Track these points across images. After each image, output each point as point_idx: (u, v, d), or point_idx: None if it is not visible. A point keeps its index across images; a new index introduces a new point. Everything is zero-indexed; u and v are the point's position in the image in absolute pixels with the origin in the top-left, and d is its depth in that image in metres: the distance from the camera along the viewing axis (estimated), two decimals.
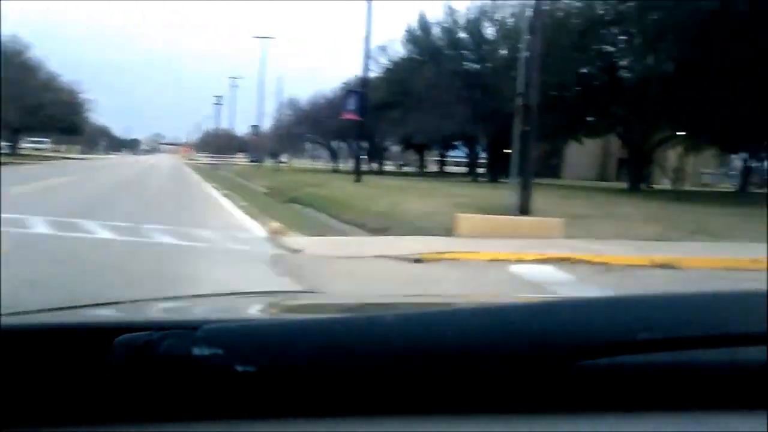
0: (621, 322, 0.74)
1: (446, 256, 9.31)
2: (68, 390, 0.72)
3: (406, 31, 43.93)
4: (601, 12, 26.40)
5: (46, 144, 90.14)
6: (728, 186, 47.55)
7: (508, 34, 31.21)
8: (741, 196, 29.48)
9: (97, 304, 1.32)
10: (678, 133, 34.88)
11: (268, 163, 62.09)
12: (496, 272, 8.59)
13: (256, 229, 12.84)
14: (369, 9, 29.90)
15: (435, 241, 10.58)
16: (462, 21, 40.33)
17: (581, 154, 54.03)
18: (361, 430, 0.69)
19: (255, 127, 68.83)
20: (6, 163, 33.41)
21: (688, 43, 20.52)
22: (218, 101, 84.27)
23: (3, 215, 10.00)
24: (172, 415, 0.69)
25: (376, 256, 9.31)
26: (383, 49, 43.92)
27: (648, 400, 0.73)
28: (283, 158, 68.11)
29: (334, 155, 63.53)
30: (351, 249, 10.33)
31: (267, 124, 71.34)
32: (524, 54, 14.04)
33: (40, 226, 10.90)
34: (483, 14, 38.52)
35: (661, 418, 0.72)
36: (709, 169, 56.19)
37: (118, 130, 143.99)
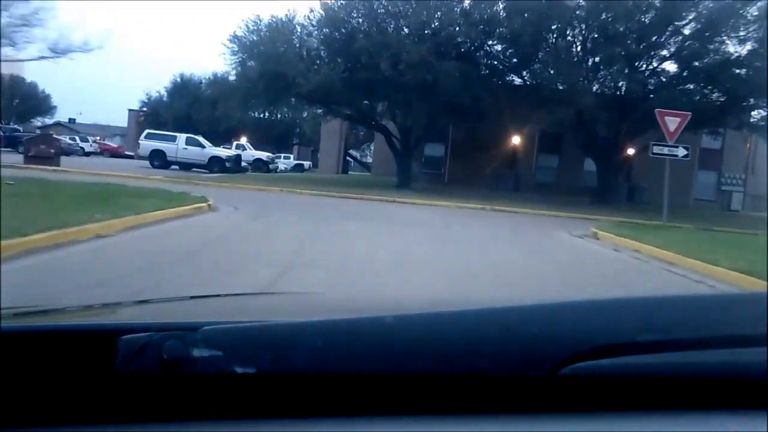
0: (622, 324, 0.77)
1: None
2: (69, 390, 0.72)
3: None
4: None
5: None
6: None
7: None
8: None
9: (98, 306, 1.28)
10: None
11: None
12: None
13: None
14: None
15: None
16: None
17: None
18: (360, 430, 0.69)
19: None
20: None
21: None
22: None
23: None
24: (172, 415, 0.70)
25: None
26: None
27: (648, 400, 0.73)
28: None
29: None
30: None
31: None
32: None
33: None
34: None
35: (661, 418, 0.72)
36: None
37: None
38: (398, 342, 0.74)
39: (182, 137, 31.56)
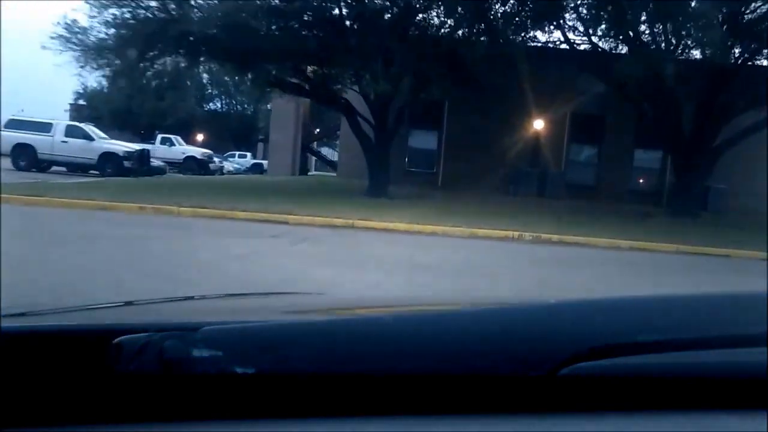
0: (622, 324, 0.77)
1: None
2: (69, 390, 0.72)
3: None
4: None
5: None
6: None
7: None
8: None
9: (97, 306, 1.30)
10: None
11: None
12: None
13: None
14: None
15: None
16: None
17: None
18: (360, 430, 0.69)
19: None
20: None
21: None
22: None
23: None
24: (172, 415, 0.70)
25: None
26: None
27: (648, 400, 0.73)
28: None
29: None
30: None
31: None
32: None
33: None
34: None
35: (661, 418, 0.72)
36: None
37: None
38: (398, 342, 0.74)
39: (60, 126, 22.08)
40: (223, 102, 54.88)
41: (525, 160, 22.56)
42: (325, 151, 44.53)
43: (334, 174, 29.52)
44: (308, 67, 16.01)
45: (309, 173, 33.99)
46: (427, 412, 0.70)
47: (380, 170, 16.86)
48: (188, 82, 53.88)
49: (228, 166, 36.45)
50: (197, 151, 31.17)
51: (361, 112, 17.45)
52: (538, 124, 22.61)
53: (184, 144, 31.72)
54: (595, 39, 17.63)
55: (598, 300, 0.85)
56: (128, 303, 1.36)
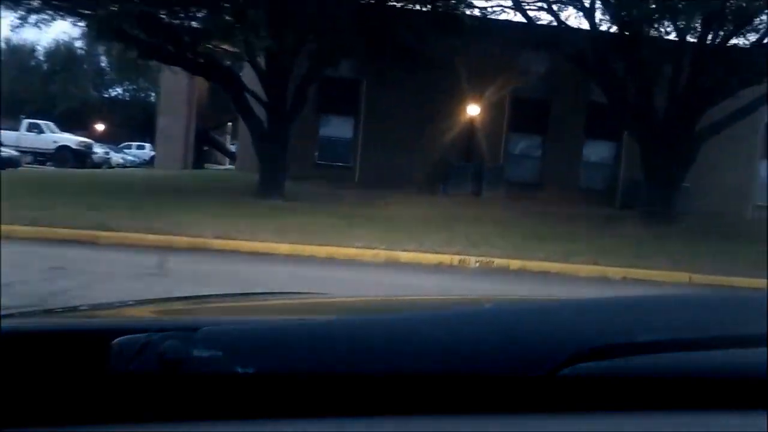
0: (622, 324, 0.78)
1: None
2: (69, 390, 0.73)
3: None
4: None
5: None
6: None
7: None
8: None
9: (97, 306, 1.29)
10: None
11: None
12: None
13: None
14: None
15: None
16: None
17: None
18: (360, 430, 0.69)
19: None
20: None
21: None
22: None
23: None
24: (172, 415, 0.70)
25: None
26: None
27: (648, 400, 0.72)
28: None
29: None
30: None
31: None
32: None
33: None
34: None
35: (661, 418, 0.71)
36: None
37: None
38: (398, 342, 0.74)
39: None
40: (125, 88, 49.65)
41: (458, 152, 19.02)
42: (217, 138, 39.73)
43: (233, 167, 25.29)
44: (163, 15, 11.78)
45: (210, 167, 29.51)
46: (427, 412, 0.69)
47: (274, 163, 12.88)
48: (85, 66, 48.72)
49: (117, 158, 31.61)
50: (72, 140, 26.29)
51: (255, 89, 13.47)
52: (474, 110, 19.09)
53: (58, 131, 26.78)
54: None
55: (598, 300, 0.85)
56: (128, 303, 1.34)
